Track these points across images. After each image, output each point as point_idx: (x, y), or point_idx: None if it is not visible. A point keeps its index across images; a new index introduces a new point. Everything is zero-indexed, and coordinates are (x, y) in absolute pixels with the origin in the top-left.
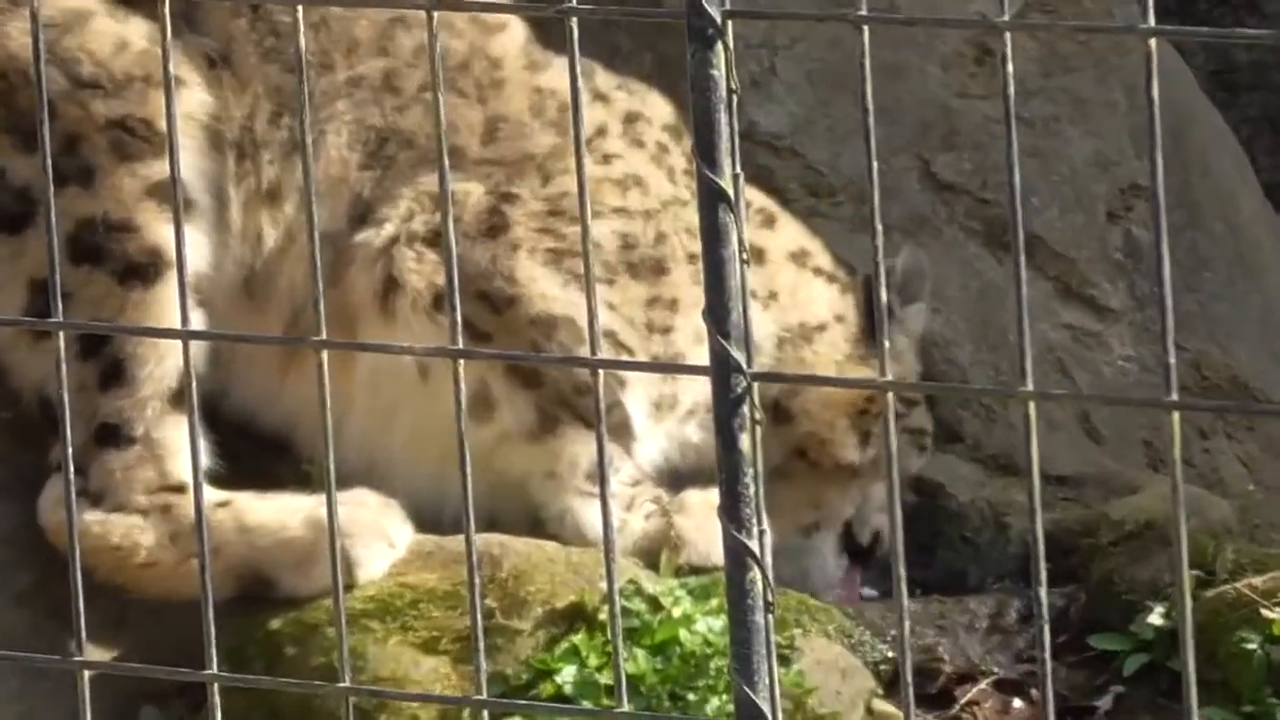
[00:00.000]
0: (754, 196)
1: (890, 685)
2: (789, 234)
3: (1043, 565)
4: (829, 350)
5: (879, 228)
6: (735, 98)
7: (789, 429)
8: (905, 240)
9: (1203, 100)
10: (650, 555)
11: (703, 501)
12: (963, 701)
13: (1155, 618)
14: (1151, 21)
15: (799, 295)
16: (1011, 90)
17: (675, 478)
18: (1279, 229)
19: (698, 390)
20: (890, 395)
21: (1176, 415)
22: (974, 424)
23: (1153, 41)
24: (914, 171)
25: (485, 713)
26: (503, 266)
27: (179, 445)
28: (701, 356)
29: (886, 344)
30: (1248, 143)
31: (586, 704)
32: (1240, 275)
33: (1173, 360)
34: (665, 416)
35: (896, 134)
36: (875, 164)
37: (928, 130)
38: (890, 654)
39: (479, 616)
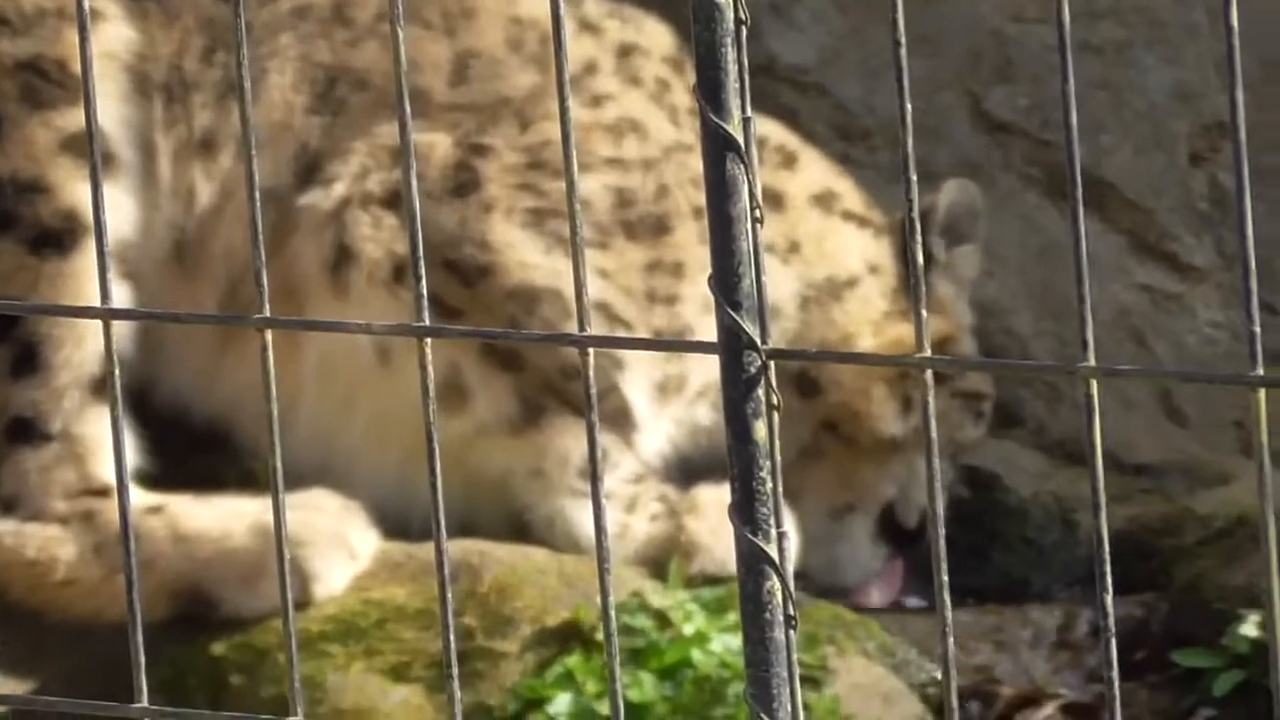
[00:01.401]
0: (771, 132)
1: (940, 711)
2: (813, 174)
3: (1108, 568)
4: (862, 308)
5: (913, 178)
6: (745, 29)
7: (818, 401)
8: None
9: None
10: (657, 563)
11: (717, 499)
12: None
13: (1250, 628)
14: None
15: (826, 245)
16: (1067, 15)
17: (687, 470)
18: None
19: (709, 367)
20: (929, 374)
21: (1263, 392)
22: (1036, 405)
23: None
24: (962, 110)
25: None
26: (474, 231)
27: (102, 441)
28: (711, 330)
29: (924, 313)
30: None
31: None
32: None
33: (1257, 328)
34: (671, 400)
35: (942, 67)
36: (909, 104)
37: (978, 61)
38: (939, 675)
39: (451, 639)
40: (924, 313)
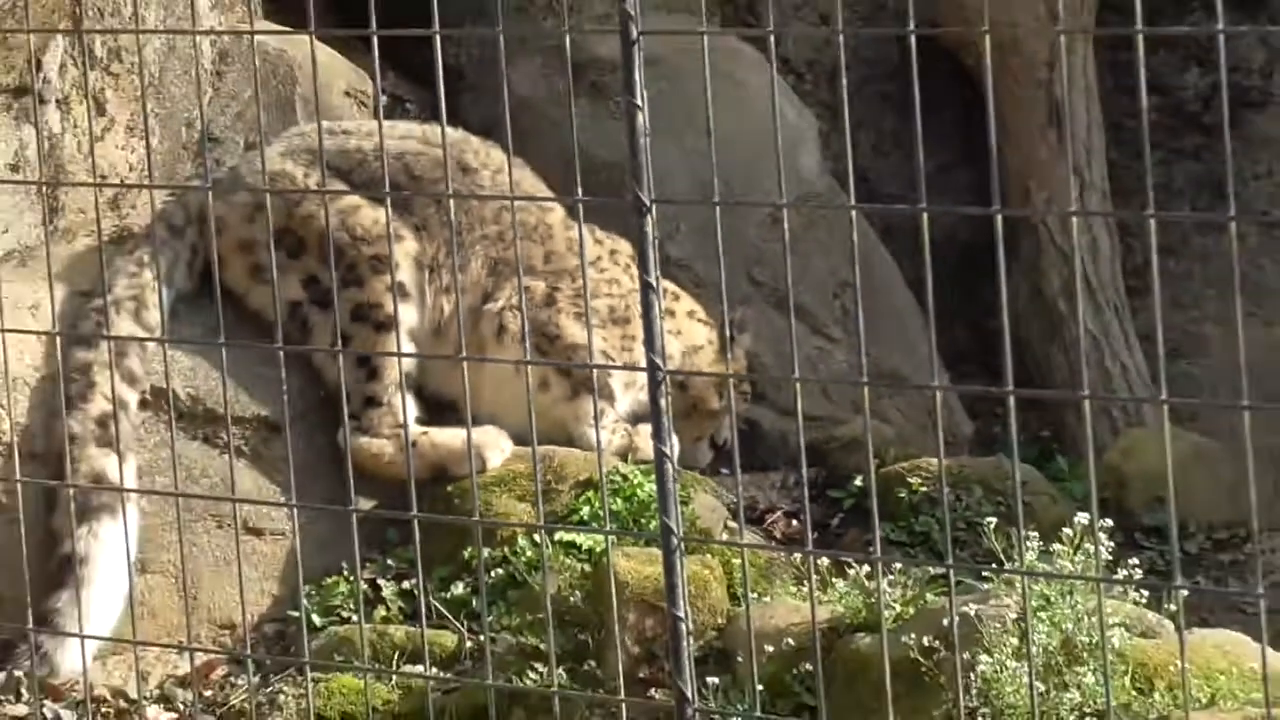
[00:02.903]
0: (668, 285)
1: (735, 515)
2: (685, 302)
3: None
4: (704, 358)
5: (725, 299)
6: (656, 243)
7: (687, 394)
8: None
9: None
10: (623, 456)
11: (648, 429)
12: (767, 523)
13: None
14: None
15: (690, 332)
16: None
17: (636, 419)
18: None
19: (644, 378)
20: (731, 382)
21: None
22: None
23: None
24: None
25: (544, 534)
26: (553, 320)
27: (402, 407)
28: (643, 362)
29: (730, 356)
30: None
31: (593, 525)
32: None
33: None
34: (630, 390)
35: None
36: (724, 274)
37: None
38: (734, 500)
39: (540, 485)
40: (731, 351)
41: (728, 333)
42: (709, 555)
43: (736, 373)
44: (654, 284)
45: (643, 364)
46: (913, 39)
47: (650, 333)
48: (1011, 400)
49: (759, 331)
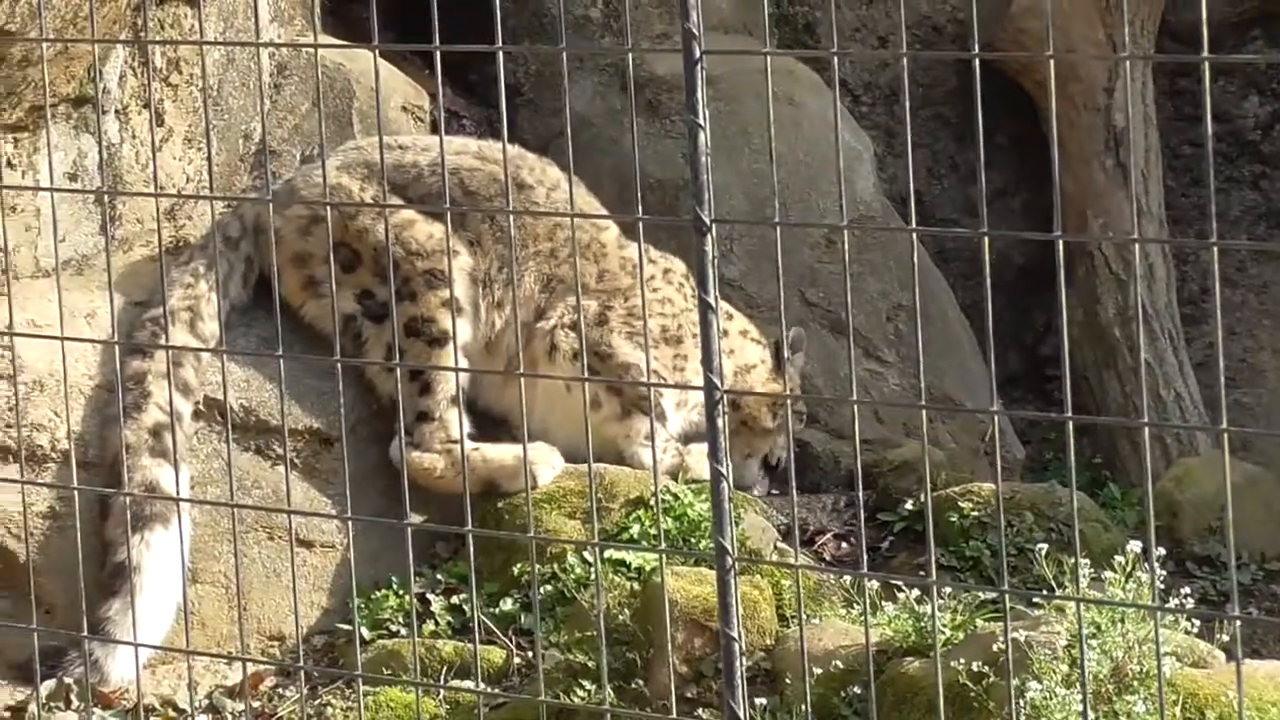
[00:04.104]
0: (722, 304)
1: (785, 536)
2: (739, 321)
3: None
4: (757, 377)
5: (783, 320)
6: (715, 262)
7: (739, 412)
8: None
9: None
10: (672, 474)
11: (700, 449)
12: (817, 544)
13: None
14: None
15: (743, 351)
16: None
17: (687, 439)
18: None
19: (699, 398)
20: (789, 402)
21: None
22: None
23: None
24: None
25: (597, 551)
26: (606, 339)
27: (456, 421)
28: (700, 381)
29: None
30: None
31: (644, 543)
32: None
33: None
34: (682, 410)
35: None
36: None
37: None
38: (784, 521)
39: (594, 503)
40: (788, 372)
41: (783, 352)
42: (758, 576)
43: (794, 393)
44: (713, 304)
45: (696, 383)
46: (976, 63)
47: (708, 352)
48: (1070, 426)
49: (810, 353)
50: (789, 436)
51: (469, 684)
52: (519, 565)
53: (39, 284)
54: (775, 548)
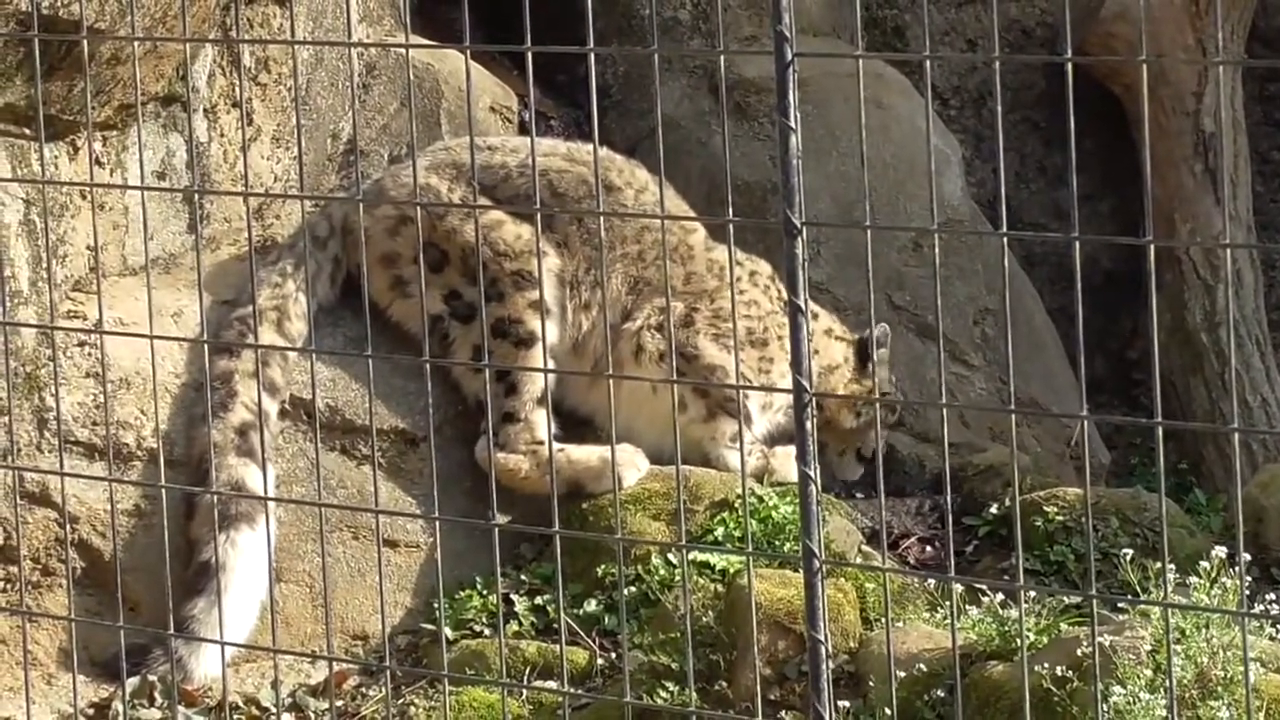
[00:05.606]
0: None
1: (869, 539)
2: (823, 320)
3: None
4: (840, 378)
5: (872, 322)
6: (805, 265)
7: (821, 413)
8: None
9: None
10: (759, 477)
11: (786, 451)
12: (902, 548)
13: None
14: None
15: (828, 351)
16: None
17: (771, 441)
18: None
19: (783, 400)
20: (877, 404)
21: None
22: None
23: None
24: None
25: (683, 553)
26: (692, 341)
27: (541, 422)
28: (787, 384)
29: (878, 375)
30: None
31: (729, 545)
32: None
33: None
34: (767, 412)
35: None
36: (873, 297)
37: None
38: (868, 524)
39: (681, 505)
40: (880, 371)
41: (869, 349)
42: (842, 579)
43: (884, 396)
44: (802, 306)
45: (783, 384)
46: (1069, 67)
47: (797, 355)
48: (1159, 431)
49: (896, 355)
50: (878, 437)
51: (553, 684)
52: (603, 566)
53: (126, 282)
54: (860, 550)
